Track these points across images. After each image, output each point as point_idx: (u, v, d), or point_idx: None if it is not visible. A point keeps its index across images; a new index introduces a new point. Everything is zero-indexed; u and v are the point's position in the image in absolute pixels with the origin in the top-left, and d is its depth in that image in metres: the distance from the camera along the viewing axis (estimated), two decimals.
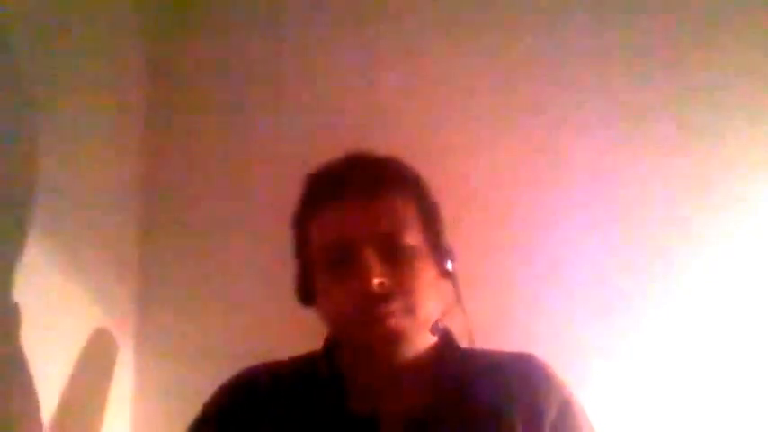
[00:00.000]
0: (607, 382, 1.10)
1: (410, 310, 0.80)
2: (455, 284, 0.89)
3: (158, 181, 1.22)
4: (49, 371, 0.96)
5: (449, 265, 0.88)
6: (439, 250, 0.87)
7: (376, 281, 0.78)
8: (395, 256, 0.81)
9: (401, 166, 0.89)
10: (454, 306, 0.89)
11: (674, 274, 1.11)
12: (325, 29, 1.22)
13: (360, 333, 0.81)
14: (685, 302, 1.11)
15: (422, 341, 0.85)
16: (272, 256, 1.16)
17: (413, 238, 0.83)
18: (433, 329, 0.86)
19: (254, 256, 1.19)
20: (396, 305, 0.79)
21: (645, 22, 1.16)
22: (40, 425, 0.94)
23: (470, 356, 0.89)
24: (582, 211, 1.14)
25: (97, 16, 1.10)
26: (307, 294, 0.89)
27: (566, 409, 0.84)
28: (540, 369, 0.87)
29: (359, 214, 0.82)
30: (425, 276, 0.83)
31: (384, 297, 0.79)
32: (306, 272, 0.88)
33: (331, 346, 0.90)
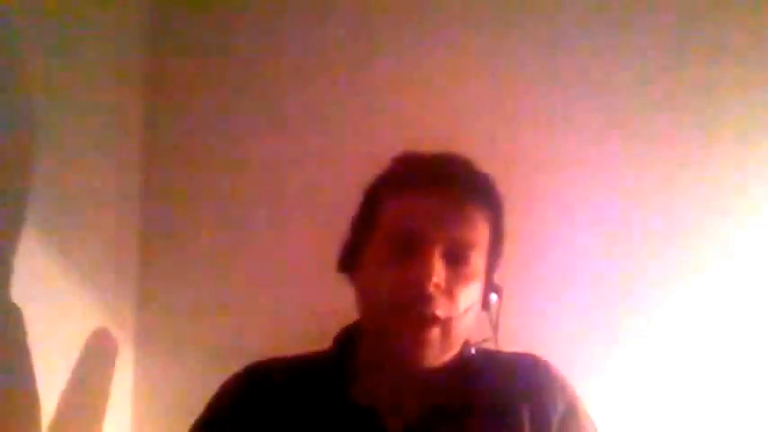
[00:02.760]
0: (610, 382, 1.10)
1: (447, 327, 0.79)
2: (493, 319, 0.88)
3: (158, 181, 1.22)
4: (49, 371, 0.96)
5: (493, 298, 0.87)
6: (489, 281, 0.86)
7: (435, 280, 0.78)
8: (457, 269, 0.81)
9: (495, 187, 0.88)
10: (485, 340, 0.88)
11: (677, 275, 1.11)
12: (325, 30, 1.22)
13: (392, 331, 0.80)
14: (688, 303, 1.11)
15: (446, 356, 0.83)
16: (271, 256, 1.17)
17: (478, 260, 0.83)
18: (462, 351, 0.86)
19: (254, 256, 1.18)
20: (440, 311, 0.78)
21: (646, 22, 1.16)
22: (40, 425, 0.94)
23: (475, 357, 0.88)
24: (583, 212, 1.14)
25: (97, 17, 1.10)
26: (350, 263, 0.87)
27: (571, 409, 0.84)
28: (545, 370, 0.87)
29: (443, 213, 0.81)
30: (474, 298, 0.82)
31: (432, 299, 0.78)
32: (361, 240, 0.86)
33: (345, 341, 0.90)
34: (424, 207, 0.82)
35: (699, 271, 1.11)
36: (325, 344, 0.91)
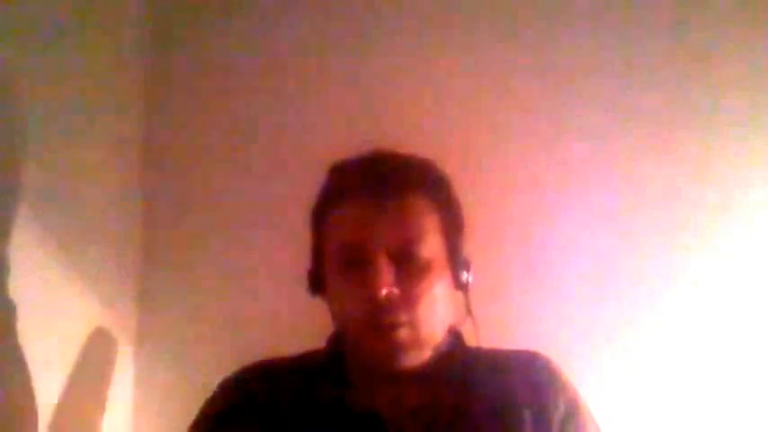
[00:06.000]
0: (610, 380, 1.10)
1: (414, 326, 0.80)
2: (467, 296, 0.88)
3: (159, 182, 1.22)
4: (49, 371, 0.96)
5: (465, 277, 0.86)
6: (456, 260, 0.86)
7: (384, 291, 0.77)
8: (408, 266, 0.80)
9: (429, 167, 0.87)
10: (466, 317, 0.88)
11: (676, 275, 1.11)
12: (326, 30, 1.22)
13: (363, 340, 0.81)
14: (687, 302, 1.11)
15: (425, 351, 0.84)
16: (272, 255, 1.17)
17: (429, 248, 0.82)
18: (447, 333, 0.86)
19: (255, 255, 1.18)
20: (402, 317, 0.79)
21: (645, 23, 1.16)
22: (40, 425, 0.94)
23: (475, 355, 0.88)
24: (583, 212, 1.13)
25: (98, 17, 1.10)
26: (317, 283, 0.88)
27: (573, 407, 0.84)
28: (546, 367, 0.86)
29: (378, 217, 0.81)
30: (437, 289, 0.82)
31: (390, 308, 0.78)
32: (319, 261, 0.87)
33: (336, 343, 0.90)
34: (361, 217, 0.82)
35: (700, 269, 1.11)
36: (324, 344, 0.91)
